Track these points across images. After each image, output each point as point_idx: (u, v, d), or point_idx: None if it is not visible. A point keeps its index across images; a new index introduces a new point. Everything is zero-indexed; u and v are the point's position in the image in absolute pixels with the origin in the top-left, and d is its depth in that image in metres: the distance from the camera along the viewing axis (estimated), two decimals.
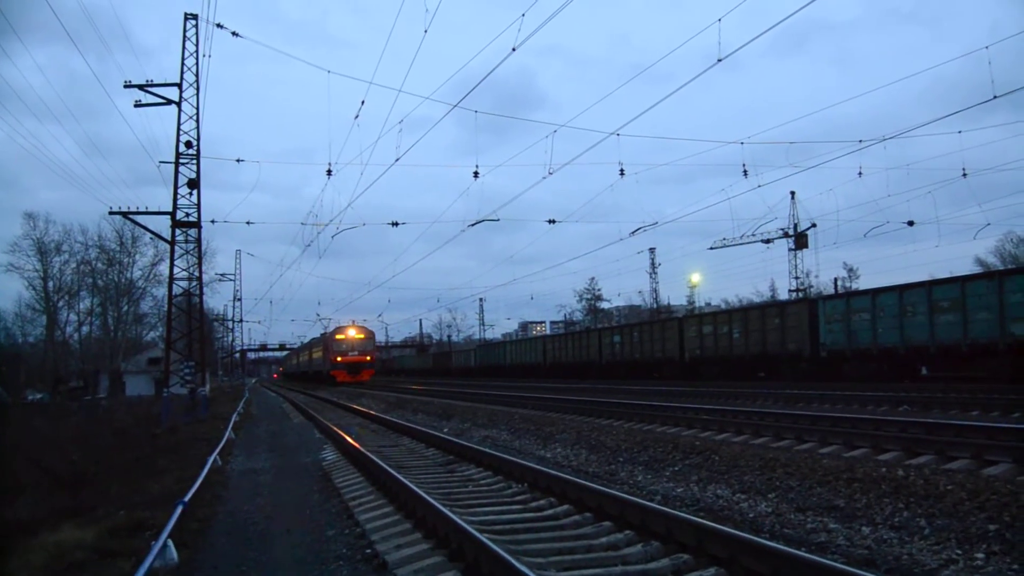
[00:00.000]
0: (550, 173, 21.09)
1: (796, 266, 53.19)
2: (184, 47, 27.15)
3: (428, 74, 25.20)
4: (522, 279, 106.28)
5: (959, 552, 5.27)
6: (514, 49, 14.41)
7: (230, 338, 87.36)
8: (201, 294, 30.33)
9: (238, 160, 29.31)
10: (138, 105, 27.26)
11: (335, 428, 16.31)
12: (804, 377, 25.16)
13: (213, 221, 30.79)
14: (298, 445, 15.21)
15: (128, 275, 56.98)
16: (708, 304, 73.10)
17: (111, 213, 28.63)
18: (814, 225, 48.22)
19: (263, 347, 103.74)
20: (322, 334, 60.89)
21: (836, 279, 57.93)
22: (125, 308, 58.00)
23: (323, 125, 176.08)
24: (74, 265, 55.48)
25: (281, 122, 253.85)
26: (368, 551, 6.08)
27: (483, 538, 5.38)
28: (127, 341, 58.68)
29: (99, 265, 55.97)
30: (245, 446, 15.62)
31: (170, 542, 5.91)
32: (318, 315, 72.96)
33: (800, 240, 51.43)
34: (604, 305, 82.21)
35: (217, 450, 12.88)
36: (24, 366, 48.03)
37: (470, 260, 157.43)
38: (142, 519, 7.70)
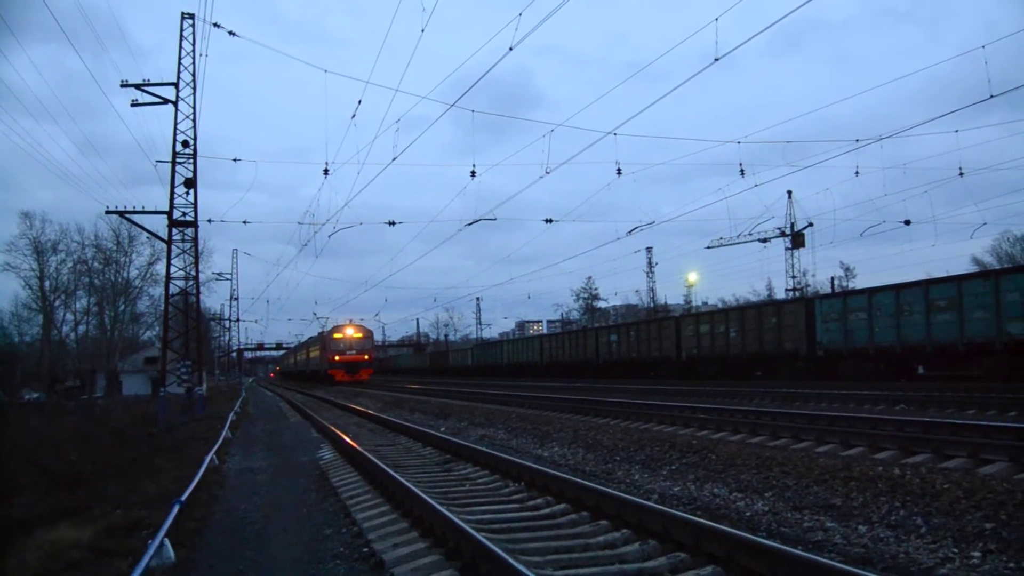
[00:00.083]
0: (547, 172, 21.28)
1: (793, 265, 53.38)
2: (181, 46, 27.15)
3: (425, 73, 25.21)
4: (519, 278, 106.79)
5: (955, 551, 5.28)
6: (511, 48, 14.43)
7: (227, 337, 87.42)
8: (198, 293, 30.35)
9: (235, 159, 29.22)
10: (135, 104, 27.25)
11: (332, 427, 16.31)
12: (801, 376, 25.17)
13: (210, 220, 30.91)
14: (295, 444, 15.19)
15: (125, 274, 56.94)
16: (705, 303, 73.04)
17: (108, 212, 28.63)
18: (811, 224, 48.44)
19: (260, 346, 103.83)
20: (320, 333, 60.66)
21: (833, 278, 58.03)
22: (122, 307, 57.89)
23: (320, 124, 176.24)
24: (70, 264, 55.47)
25: (278, 121, 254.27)
26: (365, 550, 6.08)
27: (480, 537, 5.38)
28: (124, 340, 58.53)
29: (95, 264, 55.91)
30: (242, 445, 15.60)
31: (167, 541, 5.91)
32: (315, 314, 72.88)
33: (797, 239, 51.53)
34: (601, 304, 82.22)
35: (214, 449, 12.85)
36: (20, 365, 47.91)
37: (467, 259, 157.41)
38: (139, 518, 7.69)
